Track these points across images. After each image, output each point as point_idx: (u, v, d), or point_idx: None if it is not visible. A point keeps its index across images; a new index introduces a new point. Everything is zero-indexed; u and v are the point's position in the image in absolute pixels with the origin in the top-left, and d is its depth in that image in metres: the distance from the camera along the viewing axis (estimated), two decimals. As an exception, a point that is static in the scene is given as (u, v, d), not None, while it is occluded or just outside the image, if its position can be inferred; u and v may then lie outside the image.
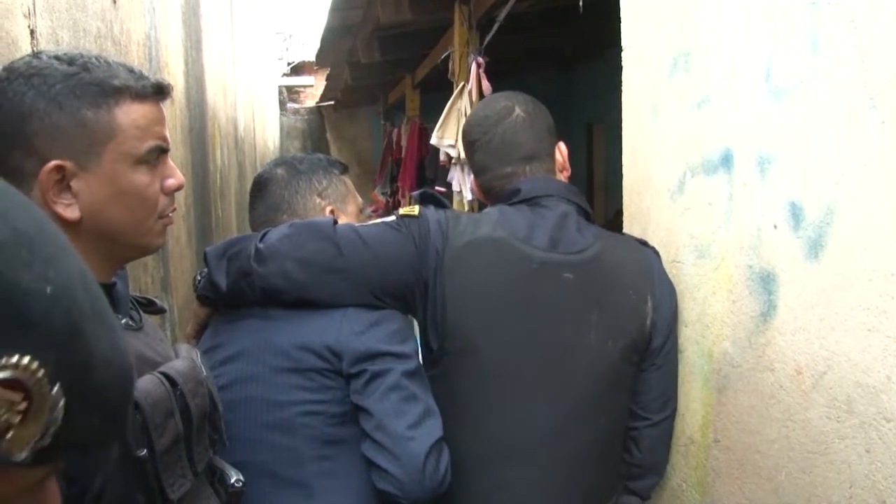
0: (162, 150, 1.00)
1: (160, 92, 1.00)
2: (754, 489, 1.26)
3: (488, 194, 1.53)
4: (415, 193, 1.50)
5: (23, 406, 0.39)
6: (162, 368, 1.00)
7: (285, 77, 10.66)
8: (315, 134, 10.31)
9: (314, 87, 10.56)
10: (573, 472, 1.39)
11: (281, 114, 10.14)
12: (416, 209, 1.41)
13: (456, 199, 3.90)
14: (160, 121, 1.00)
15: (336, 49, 5.53)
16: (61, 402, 0.41)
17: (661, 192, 1.55)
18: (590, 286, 1.38)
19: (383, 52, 5.13)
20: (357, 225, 1.41)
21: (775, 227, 1.18)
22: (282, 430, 1.29)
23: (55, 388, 0.41)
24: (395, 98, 7.91)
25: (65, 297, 0.42)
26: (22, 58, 0.96)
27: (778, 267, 1.18)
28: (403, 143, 7.01)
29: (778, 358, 1.19)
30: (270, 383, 1.30)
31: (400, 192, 7.15)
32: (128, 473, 0.93)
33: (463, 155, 3.52)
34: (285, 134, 10.11)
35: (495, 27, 2.97)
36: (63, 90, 0.92)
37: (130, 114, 0.95)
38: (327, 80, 7.52)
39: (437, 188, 4.89)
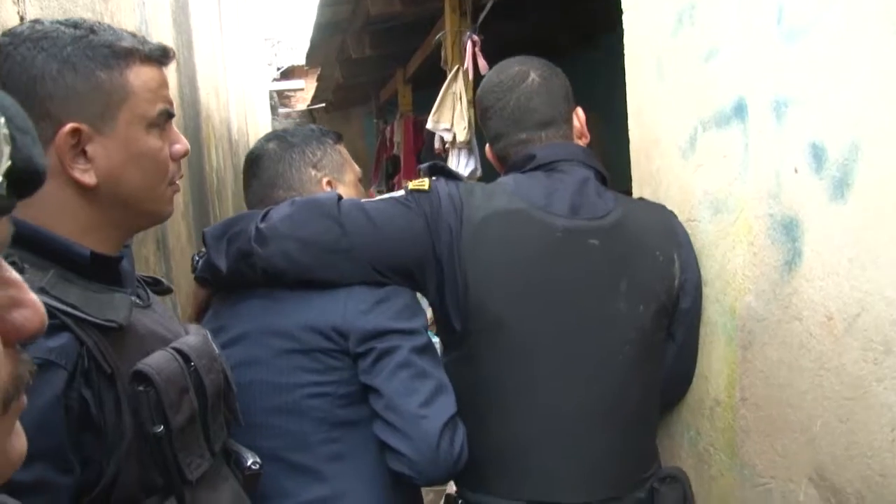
0: (169, 115, 0.98)
1: (165, 55, 0.98)
2: (788, 444, 1.23)
3: (503, 162, 1.48)
4: (423, 166, 1.45)
5: None
6: (174, 344, 0.97)
7: (275, 82, 10.61)
8: (308, 137, 10.27)
9: (304, 91, 10.52)
10: (612, 441, 1.35)
11: (273, 118, 10.09)
12: (426, 183, 1.35)
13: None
14: (166, 84, 0.98)
15: (326, 46, 5.49)
16: (2, 119, 0.40)
17: (672, 151, 1.52)
18: (616, 251, 1.34)
19: (374, 46, 5.10)
20: (364, 201, 1.37)
21: (796, 171, 1.15)
22: (289, 413, 1.25)
23: None
24: (387, 96, 7.88)
25: None
26: (22, 24, 0.93)
27: (801, 212, 1.15)
28: (397, 139, 6.97)
29: (806, 306, 1.16)
30: (274, 366, 1.26)
31: (397, 189, 7.12)
32: (144, 454, 0.89)
33: (459, 138, 3.48)
34: (278, 139, 10.10)
35: (489, 5, 2.94)
36: (75, 52, 0.89)
37: (141, 76, 0.94)
38: (318, 80, 7.48)
39: (436, 179, 4.85)
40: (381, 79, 7.17)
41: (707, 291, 1.44)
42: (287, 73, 10.85)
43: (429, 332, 1.33)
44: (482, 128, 1.54)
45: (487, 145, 1.54)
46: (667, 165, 1.54)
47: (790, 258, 1.19)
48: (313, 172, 1.43)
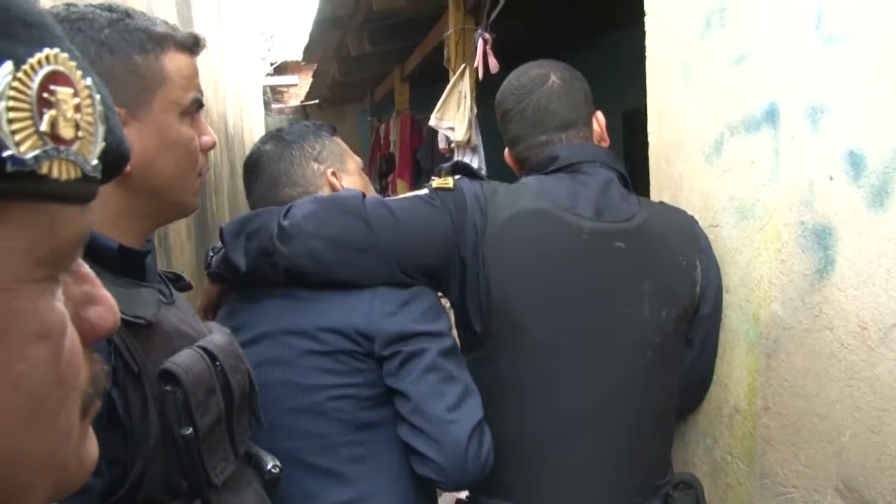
0: (200, 104, 0.96)
1: (197, 44, 0.96)
2: (813, 454, 1.21)
3: (523, 165, 1.46)
4: (446, 165, 1.43)
5: (76, 101, 0.35)
6: (201, 343, 0.94)
7: (269, 77, 10.55)
8: (301, 134, 10.19)
9: (298, 87, 10.47)
10: (630, 447, 1.33)
11: (266, 114, 10.04)
12: (450, 181, 1.33)
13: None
14: (197, 73, 0.96)
15: (325, 42, 5.46)
16: (98, 97, 0.37)
17: (695, 156, 1.50)
18: (641, 255, 1.33)
19: (373, 43, 5.07)
20: (388, 199, 1.34)
21: (831, 178, 1.13)
22: (312, 415, 1.22)
23: (89, 80, 0.37)
24: (382, 93, 7.84)
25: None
26: (55, 6, 0.91)
27: (836, 220, 1.13)
28: (393, 137, 6.94)
29: (838, 315, 1.14)
30: (298, 367, 1.23)
31: (390, 188, 7.09)
32: (169, 456, 0.86)
33: (457, 137, 3.45)
34: (270, 134, 10.02)
35: (500, 4, 2.91)
36: (112, 34, 0.87)
37: (175, 62, 0.92)
38: (314, 76, 7.45)
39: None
40: (378, 76, 7.14)
41: (729, 298, 1.42)
42: (280, 69, 10.80)
43: None
44: (502, 131, 1.52)
45: (507, 149, 1.52)
46: (689, 170, 1.52)
47: (821, 266, 1.17)
48: (316, 166, 1.40)
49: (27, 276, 0.34)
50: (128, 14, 0.90)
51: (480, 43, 3.03)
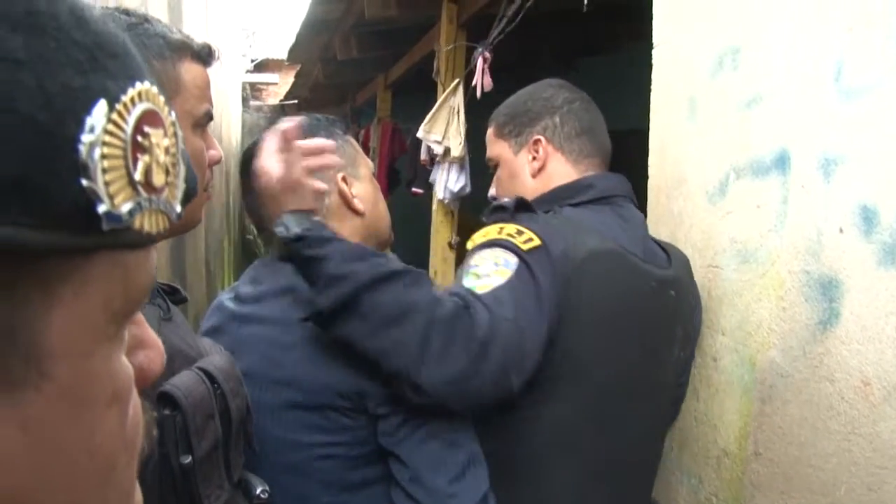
0: (210, 117, 0.93)
1: (211, 56, 0.94)
2: (805, 505, 1.21)
3: (570, 156, 1.36)
4: (507, 203, 1.24)
5: (166, 142, 0.32)
6: (201, 364, 0.90)
7: (249, 74, 10.43)
8: (277, 132, 10.07)
9: (277, 86, 10.37)
10: (646, 486, 1.34)
11: (244, 110, 9.92)
12: (533, 237, 1.16)
13: (437, 199, 3.81)
14: (210, 86, 0.93)
15: (311, 44, 5.40)
16: (180, 133, 0.34)
17: (698, 194, 1.49)
18: (681, 301, 1.32)
19: (361, 49, 5.02)
20: (486, 299, 1.10)
21: (841, 231, 1.13)
22: (294, 474, 1.11)
23: (173, 114, 0.33)
24: (363, 99, 7.79)
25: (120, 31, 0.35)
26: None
27: (843, 273, 1.13)
28: (372, 144, 6.88)
29: (839, 368, 1.14)
30: (280, 419, 1.11)
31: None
32: (164, 483, 0.82)
33: (454, 153, 3.42)
34: (247, 131, 9.87)
35: (503, 23, 2.89)
36: (132, 39, 0.83)
37: (191, 72, 0.89)
38: (297, 76, 7.37)
39: (414, 189, 4.79)
40: (361, 81, 7.09)
41: (725, 341, 1.42)
42: (261, 66, 10.68)
43: None
44: (539, 119, 1.39)
45: (542, 136, 1.38)
46: (690, 208, 1.52)
47: (825, 318, 1.17)
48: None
49: (103, 334, 0.31)
50: (146, 19, 0.87)
51: (480, 61, 3.01)
